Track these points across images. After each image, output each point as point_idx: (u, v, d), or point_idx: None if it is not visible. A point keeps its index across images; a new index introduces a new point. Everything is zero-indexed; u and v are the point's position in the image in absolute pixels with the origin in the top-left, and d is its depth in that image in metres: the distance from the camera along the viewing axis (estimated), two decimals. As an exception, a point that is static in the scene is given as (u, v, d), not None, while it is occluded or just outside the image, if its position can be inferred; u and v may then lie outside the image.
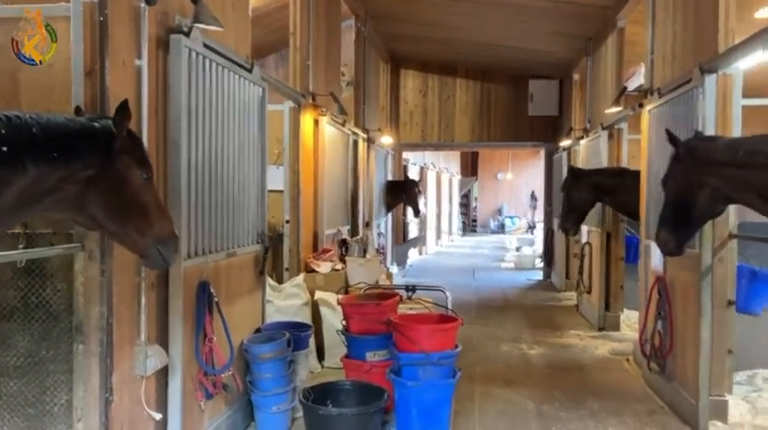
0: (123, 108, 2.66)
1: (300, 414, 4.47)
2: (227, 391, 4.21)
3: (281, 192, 6.69)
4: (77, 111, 2.83)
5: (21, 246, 2.89)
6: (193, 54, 3.75)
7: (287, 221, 6.70)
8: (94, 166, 2.55)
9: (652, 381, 5.79)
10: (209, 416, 4.06)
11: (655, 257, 5.52)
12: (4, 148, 2.23)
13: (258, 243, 4.98)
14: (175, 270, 3.57)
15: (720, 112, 4.77)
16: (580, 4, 8.38)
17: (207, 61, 3.95)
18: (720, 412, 4.82)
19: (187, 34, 3.66)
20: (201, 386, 3.91)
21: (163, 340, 3.58)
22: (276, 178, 6.49)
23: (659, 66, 6.10)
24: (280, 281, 6.53)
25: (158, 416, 3.49)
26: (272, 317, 5.46)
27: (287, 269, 6.71)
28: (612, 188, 7.24)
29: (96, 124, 2.65)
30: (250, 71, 4.72)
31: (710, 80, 4.70)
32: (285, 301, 5.97)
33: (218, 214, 4.19)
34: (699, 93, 4.78)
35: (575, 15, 8.93)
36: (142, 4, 3.34)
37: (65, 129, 2.53)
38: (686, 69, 5.15)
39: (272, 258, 6.21)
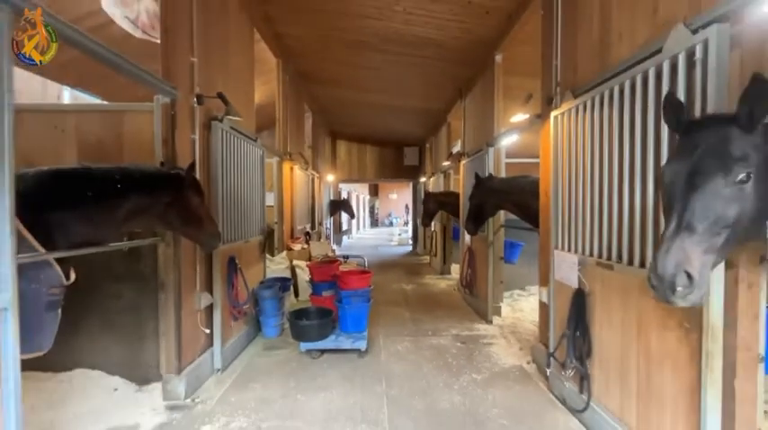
0: (192, 166, 2.64)
1: (287, 326, 4.44)
2: (246, 316, 4.13)
3: (272, 206, 6.54)
4: (162, 164, 2.74)
5: (125, 238, 2.75)
6: (224, 132, 3.67)
7: (276, 222, 6.53)
8: (171, 196, 2.50)
9: (467, 299, 6.01)
10: (236, 330, 3.97)
11: (466, 237, 5.80)
12: (119, 186, 2.16)
13: (261, 234, 4.87)
14: (216, 251, 3.48)
15: (496, 165, 5.05)
16: (433, 110, 8.73)
17: (231, 136, 3.87)
18: (497, 311, 5.13)
19: (221, 121, 3.58)
20: (231, 314, 3.83)
21: (209, 289, 3.49)
22: (269, 199, 6.35)
23: (468, 141, 6.34)
24: (272, 254, 6.36)
25: (207, 331, 3.41)
26: (269, 275, 5.35)
27: (276, 248, 6.52)
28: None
29: (173, 172, 2.59)
30: (255, 141, 4.62)
31: (491, 150, 5.00)
32: (276, 266, 5.84)
33: (239, 219, 4.09)
34: (486, 155, 5.05)
35: (427, 115, 9.28)
36: (195, 105, 3.25)
37: (154, 174, 2.45)
38: (480, 143, 5.42)
39: (268, 243, 6.07)
